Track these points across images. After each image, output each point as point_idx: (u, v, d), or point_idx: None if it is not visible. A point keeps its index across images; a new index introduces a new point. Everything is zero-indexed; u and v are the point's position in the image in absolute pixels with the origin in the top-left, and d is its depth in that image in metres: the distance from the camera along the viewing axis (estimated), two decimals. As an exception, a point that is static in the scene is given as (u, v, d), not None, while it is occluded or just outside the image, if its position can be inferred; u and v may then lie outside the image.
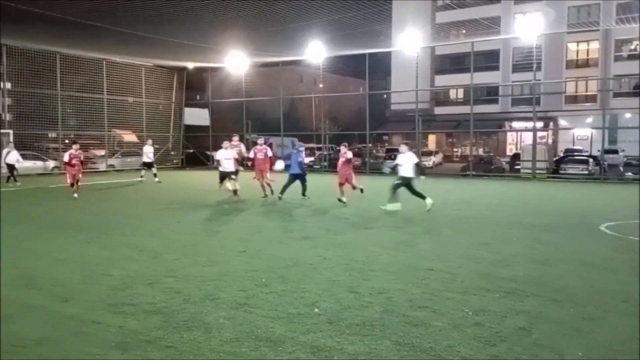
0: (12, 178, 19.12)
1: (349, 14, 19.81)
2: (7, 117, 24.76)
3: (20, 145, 23.85)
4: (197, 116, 33.47)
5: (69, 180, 15.20)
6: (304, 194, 14.50)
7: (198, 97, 38.97)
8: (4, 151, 19.68)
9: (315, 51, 28.59)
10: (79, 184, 15.33)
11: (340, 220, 11.11)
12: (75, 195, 14.92)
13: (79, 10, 17.40)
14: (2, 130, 23.39)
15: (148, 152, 21.11)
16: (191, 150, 33.71)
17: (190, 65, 31.69)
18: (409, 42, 29.98)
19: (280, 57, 30.03)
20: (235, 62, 29.83)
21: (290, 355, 4.00)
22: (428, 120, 38.80)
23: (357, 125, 35.86)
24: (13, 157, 19.36)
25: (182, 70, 32.60)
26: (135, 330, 4.52)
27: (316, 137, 35.35)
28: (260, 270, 6.70)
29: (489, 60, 40.36)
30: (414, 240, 8.97)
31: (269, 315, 4.90)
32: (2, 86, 24.41)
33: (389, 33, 37.75)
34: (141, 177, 21.01)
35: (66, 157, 15.17)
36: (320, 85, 40.50)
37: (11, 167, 19.23)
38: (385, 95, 48.25)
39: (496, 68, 41.04)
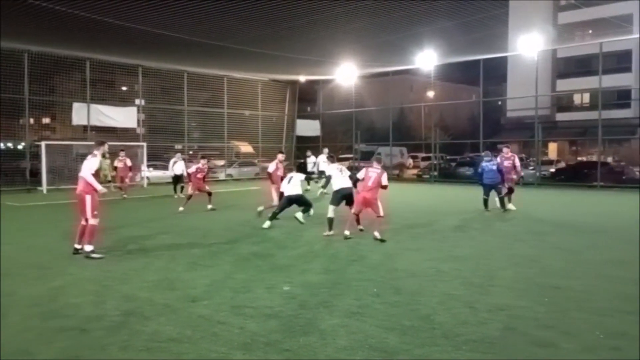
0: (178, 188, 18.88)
1: (463, 19, 19.25)
2: (142, 130, 27.34)
3: (151, 157, 26.21)
4: (308, 127, 34.44)
5: (190, 191, 15.05)
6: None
7: (309, 109, 40.12)
8: (172, 161, 19.53)
9: (426, 59, 28.16)
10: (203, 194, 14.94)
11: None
12: (180, 208, 14.29)
13: (203, 31, 18.79)
14: (138, 143, 25.84)
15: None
16: (302, 161, 34.72)
17: (303, 78, 32.76)
18: (527, 45, 28.40)
19: (390, 67, 29.97)
20: (346, 73, 30.31)
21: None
22: (548, 127, 36.29)
23: (470, 134, 34.59)
24: (179, 167, 19.00)
25: (294, 83, 33.80)
26: (255, 332, 4.73)
27: (425, 146, 34.63)
28: (373, 279, 6.70)
29: (620, 61, 36.85)
30: (538, 255, 8.41)
31: (382, 326, 4.87)
32: (139, 103, 27.05)
33: (505, 37, 36.07)
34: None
35: (192, 169, 15.24)
36: (431, 94, 39.71)
37: (177, 177, 19.02)
38: (500, 102, 46.04)
39: (628, 70, 37.35)
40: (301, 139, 34.57)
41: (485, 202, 13.91)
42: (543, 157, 34.06)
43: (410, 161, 38.58)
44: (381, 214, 9.70)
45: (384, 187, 9.84)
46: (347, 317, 5.13)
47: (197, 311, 5.37)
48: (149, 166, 26.21)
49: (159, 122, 28.61)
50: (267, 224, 11.13)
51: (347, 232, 9.74)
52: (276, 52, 22.40)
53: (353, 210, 10.13)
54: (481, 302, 5.64)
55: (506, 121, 43.08)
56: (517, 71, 39.46)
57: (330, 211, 10.17)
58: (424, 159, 36.66)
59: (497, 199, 14.01)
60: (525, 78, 31.53)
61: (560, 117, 39.55)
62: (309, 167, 23.44)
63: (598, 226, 11.64)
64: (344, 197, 10.33)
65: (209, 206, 14.88)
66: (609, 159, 30.73)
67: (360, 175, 10.12)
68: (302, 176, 11.71)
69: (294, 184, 11.18)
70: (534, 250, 8.89)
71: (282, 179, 12.61)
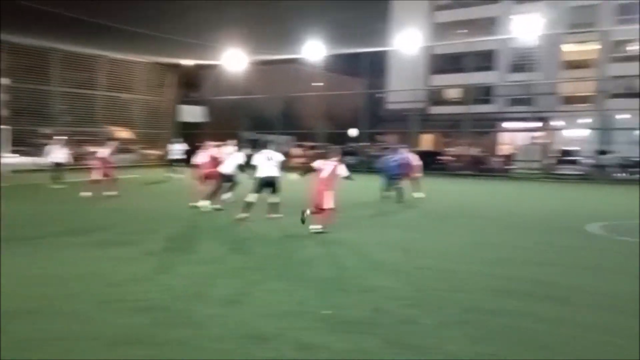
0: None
1: (346, 14, 19.85)
2: (5, 112, 24.65)
3: (16, 142, 23.77)
4: (193, 113, 33.43)
5: (96, 176, 14.57)
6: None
7: (193, 94, 38.88)
8: (50, 147, 17.93)
9: (313, 49, 28.64)
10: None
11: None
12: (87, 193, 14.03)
13: (77, 7, 17.34)
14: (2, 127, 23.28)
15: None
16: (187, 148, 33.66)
17: (186, 62, 31.67)
18: (406, 41, 30.04)
19: (279, 55, 30.06)
20: (233, 59, 29.83)
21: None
22: (423, 119, 38.83)
23: (353, 124, 35.87)
24: (60, 154, 17.73)
25: (177, 67, 32.55)
26: (125, 326, 4.54)
27: (312, 135, 35.37)
28: (255, 267, 6.76)
29: (486, 60, 40.43)
30: (412, 240, 9.02)
31: (259, 313, 4.94)
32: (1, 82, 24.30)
33: (386, 31, 37.81)
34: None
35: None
36: (318, 84, 40.53)
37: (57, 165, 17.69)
38: (381, 94, 48.27)
39: (493, 68, 41.11)
40: (187, 126, 33.45)
41: (383, 191, 14.64)
42: (418, 147, 36.45)
43: (297, 150, 39.11)
44: (331, 206, 9.42)
45: (345, 178, 9.77)
46: (224, 306, 5.13)
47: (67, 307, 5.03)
48: (14, 152, 23.74)
49: (25, 104, 25.95)
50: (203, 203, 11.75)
51: (317, 226, 9.37)
52: (157, 32, 21.38)
53: (312, 206, 9.60)
54: (354, 285, 5.94)
55: (387, 113, 45.29)
56: (397, 65, 41.64)
57: (250, 196, 10.38)
58: (310, 147, 37.38)
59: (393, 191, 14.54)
60: (403, 72, 33.38)
61: (435, 110, 42.46)
62: (175, 155, 22.62)
63: (468, 211, 12.76)
64: (266, 184, 10.48)
65: (109, 192, 14.39)
66: (473, 150, 33.52)
67: (315, 165, 9.87)
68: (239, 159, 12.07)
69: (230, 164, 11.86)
70: (409, 234, 9.54)
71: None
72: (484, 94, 40.77)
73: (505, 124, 39.75)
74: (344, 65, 40.86)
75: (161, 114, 32.87)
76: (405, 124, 33.95)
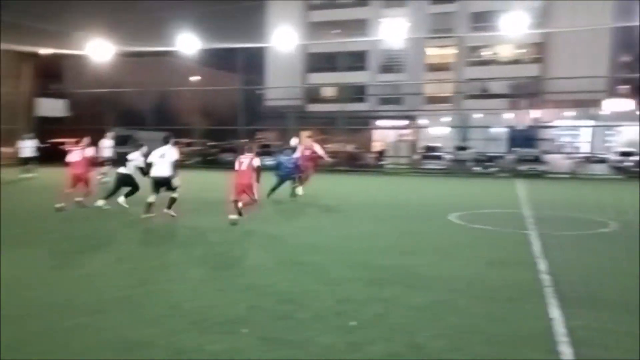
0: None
1: (219, 7, 19.47)
2: None
3: None
4: (52, 107, 30.58)
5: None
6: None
7: (53, 86, 35.59)
8: None
9: (188, 42, 27.71)
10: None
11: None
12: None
13: None
14: None
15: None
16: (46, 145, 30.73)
17: (44, 51, 28.85)
18: (282, 38, 30.30)
19: (150, 47, 28.62)
20: (98, 49, 27.78)
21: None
22: (301, 117, 39.56)
23: (231, 121, 35.40)
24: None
25: (34, 56, 29.54)
26: (-32, 348, 4.01)
27: (188, 132, 34.23)
28: (123, 272, 6.35)
29: (358, 60, 42.21)
30: (289, 234, 9.12)
31: (129, 319, 4.66)
32: None
33: (263, 28, 37.79)
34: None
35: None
36: (194, 78, 39.34)
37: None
38: (260, 91, 48.24)
39: (365, 68, 43.07)
40: (46, 121, 30.52)
41: (273, 190, 13.98)
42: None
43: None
44: (256, 197, 10.27)
45: (257, 169, 10.30)
46: (91, 314, 4.76)
47: None
48: None
49: None
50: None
51: (232, 217, 9.86)
52: (10, 17, 19.20)
53: (232, 198, 10.25)
54: (231, 284, 5.86)
55: (265, 109, 45.38)
56: (275, 63, 41.86)
57: (150, 197, 10.36)
58: (187, 144, 36.16)
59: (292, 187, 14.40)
60: (281, 70, 33.67)
61: (312, 107, 43.44)
62: (26, 153, 20.54)
63: (344, 206, 13.21)
64: (157, 183, 10.37)
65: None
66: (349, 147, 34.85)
67: (236, 165, 10.41)
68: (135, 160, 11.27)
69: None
70: (286, 230, 9.64)
71: None
72: (357, 92, 42.58)
73: (377, 122, 41.97)
74: (221, 61, 40.14)
75: (16, 107, 29.60)
76: (284, 121, 34.30)
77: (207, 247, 8.13)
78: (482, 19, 38.15)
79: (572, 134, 40.15)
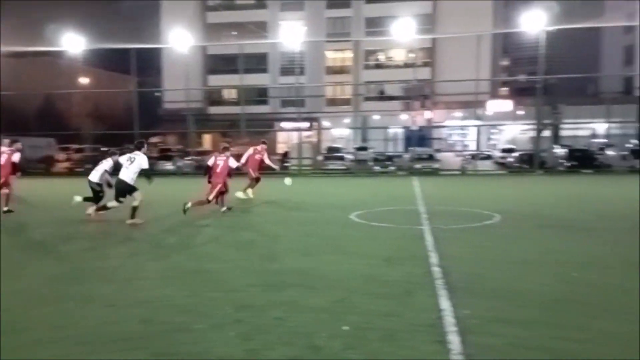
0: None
1: (109, 6, 18.43)
2: None
3: None
4: None
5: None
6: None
7: None
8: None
9: (73, 42, 25.92)
10: None
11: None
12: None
13: None
14: None
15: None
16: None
17: None
18: (178, 39, 29.37)
19: (31, 47, 26.42)
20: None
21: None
22: (202, 119, 38.63)
23: (127, 125, 33.67)
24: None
25: None
26: None
27: (78, 137, 32.05)
28: None
29: (259, 62, 42.07)
30: (188, 244, 8.81)
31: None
32: None
33: (158, 29, 36.40)
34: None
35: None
36: (83, 80, 36.85)
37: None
38: (158, 94, 46.42)
39: (266, 71, 43.03)
40: None
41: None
42: (198, 147, 36.12)
43: (62, 154, 35.00)
44: (210, 197, 11.29)
45: (234, 170, 11.67)
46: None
47: None
48: None
49: None
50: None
51: (223, 209, 11.47)
52: None
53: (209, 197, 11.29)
54: (123, 299, 5.53)
55: (164, 112, 43.77)
56: (172, 64, 40.40)
57: (110, 202, 10.64)
58: (77, 150, 33.85)
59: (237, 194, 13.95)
60: (179, 71, 32.63)
61: (213, 110, 42.60)
62: None
63: (245, 207, 13.03)
64: (118, 190, 10.46)
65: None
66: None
67: (210, 162, 11.55)
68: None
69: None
70: (183, 236, 9.32)
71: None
72: (259, 95, 42.45)
73: (280, 124, 42.10)
74: (114, 62, 38.09)
75: None
76: (183, 125, 33.26)
77: (94, 261, 7.61)
78: (375, 24, 39.69)
79: (461, 133, 43.04)
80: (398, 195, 16.99)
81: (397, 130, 39.33)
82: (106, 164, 11.34)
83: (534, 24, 27.49)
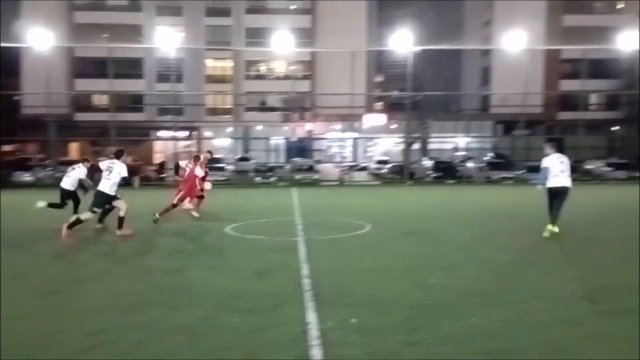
0: None
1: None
2: None
3: None
4: None
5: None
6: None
7: None
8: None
9: None
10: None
11: None
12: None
13: None
14: None
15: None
16: None
17: None
18: (41, 39, 26.97)
19: None
20: None
21: None
22: (68, 126, 35.65)
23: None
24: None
25: None
26: None
27: None
28: None
29: (133, 68, 39.98)
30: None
31: None
32: None
33: (18, 27, 33.15)
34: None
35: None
36: None
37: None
38: (16, 98, 42.00)
39: (142, 76, 41.02)
40: None
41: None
42: (63, 156, 33.27)
43: None
44: (174, 201, 12.08)
45: (201, 178, 12.35)
46: None
47: None
48: None
49: None
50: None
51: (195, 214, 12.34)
52: None
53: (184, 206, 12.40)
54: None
55: (23, 118, 39.70)
56: (33, 66, 36.90)
57: (84, 214, 10.34)
58: None
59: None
60: (41, 74, 29.88)
61: (81, 117, 39.58)
62: None
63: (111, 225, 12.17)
64: (96, 201, 10.19)
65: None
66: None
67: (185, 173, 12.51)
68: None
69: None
70: (33, 257, 8.46)
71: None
72: (133, 102, 40.31)
73: (157, 133, 40.31)
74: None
75: None
76: (46, 132, 30.42)
77: None
78: (256, 35, 39.80)
79: (339, 145, 44.63)
80: (276, 206, 17.04)
81: (278, 141, 39.65)
82: (79, 171, 11.46)
83: (403, 44, 29.41)
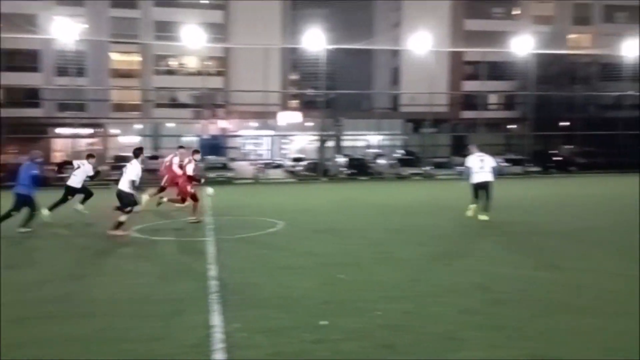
0: None
1: None
2: None
3: None
4: None
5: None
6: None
7: None
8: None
9: None
10: None
11: None
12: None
13: None
14: None
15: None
16: None
17: None
18: None
19: None
20: None
21: None
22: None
23: None
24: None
25: None
26: None
27: None
28: None
29: (28, 60, 37.02)
30: None
31: None
32: None
33: None
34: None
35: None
36: None
37: None
38: None
39: (38, 70, 38.09)
40: None
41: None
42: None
43: None
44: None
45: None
46: None
47: None
48: None
49: None
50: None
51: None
52: None
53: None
54: None
55: None
56: None
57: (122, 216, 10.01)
58: None
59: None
60: None
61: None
62: None
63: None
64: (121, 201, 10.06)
65: None
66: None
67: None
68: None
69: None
70: None
71: None
72: (29, 96, 37.38)
73: (57, 130, 37.65)
74: None
75: None
76: None
77: None
78: (166, 29, 38.39)
79: (255, 142, 44.24)
80: (186, 206, 16.47)
81: (191, 139, 38.51)
82: (85, 168, 12.08)
83: (316, 42, 29.68)
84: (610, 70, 39.48)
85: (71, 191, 12.10)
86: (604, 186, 22.12)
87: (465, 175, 11.98)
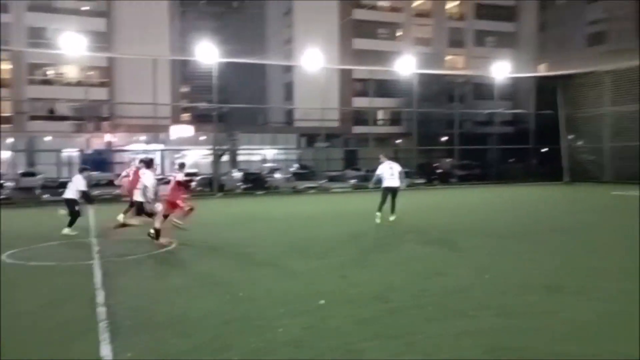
0: None
1: None
2: None
3: None
4: None
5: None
6: None
7: None
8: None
9: None
10: None
11: None
12: None
13: None
14: None
15: None
16: None
17: None
18: None
19: None
20: None
21: None
22: None
23: None
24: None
25: None
26: None
27: None
28: None
29: None
30: None
31: None
32: None
33: None
34: None
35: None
36: None
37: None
38: None
39: None
40: None
41: None
42: None
43: None
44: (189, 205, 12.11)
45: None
46: None
47: None
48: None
49: None
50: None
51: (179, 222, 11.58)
52: None
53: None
54: None
55: None
56: None
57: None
58: None
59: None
60: None
61: None
62: None
63: None
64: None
65: None
66: None
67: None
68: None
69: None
70: None
71: None
72: None
73: None
74: None
75: None
76: None
77: None
78: (41, 36, 35.56)
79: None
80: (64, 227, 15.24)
81: (72, 154, 35.79)
82: (78, 182, 12.08)
83: (208, 55, 29.15)
84: (482, 89, 43.31)
85: (70, 202, 12.25)
86: (477, 196, 24.08)
87: (374, 181, 13.76)
